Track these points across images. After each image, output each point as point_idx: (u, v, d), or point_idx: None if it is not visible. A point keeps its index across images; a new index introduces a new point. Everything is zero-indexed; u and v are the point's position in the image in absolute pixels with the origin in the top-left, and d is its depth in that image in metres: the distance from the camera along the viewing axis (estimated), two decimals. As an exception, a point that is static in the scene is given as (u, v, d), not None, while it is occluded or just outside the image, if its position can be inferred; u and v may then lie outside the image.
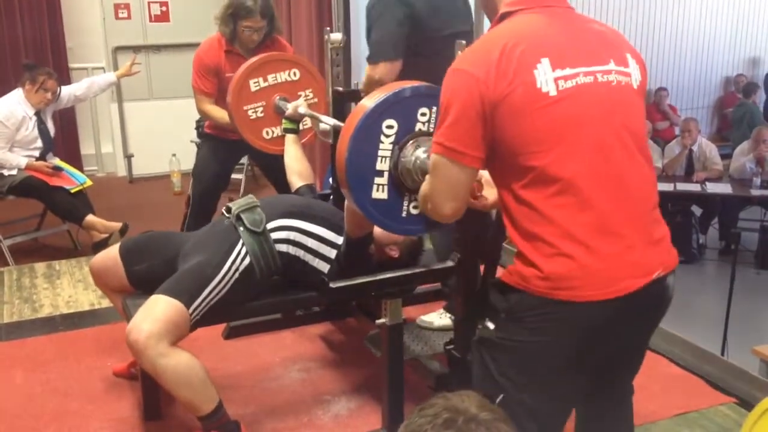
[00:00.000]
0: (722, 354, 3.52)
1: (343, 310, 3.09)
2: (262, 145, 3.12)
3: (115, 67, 5.75)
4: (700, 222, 5.97)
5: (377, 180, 1.84)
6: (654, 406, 2.53)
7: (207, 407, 2.16)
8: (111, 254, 2.48)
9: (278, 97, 3.06)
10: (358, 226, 2.21)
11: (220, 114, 3.37)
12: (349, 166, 1.80)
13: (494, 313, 1.53)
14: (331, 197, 2.89)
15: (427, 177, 1.57)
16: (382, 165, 1.83)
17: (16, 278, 3.97)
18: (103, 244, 3.90)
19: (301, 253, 2.35)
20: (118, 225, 4.19)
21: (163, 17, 6.40)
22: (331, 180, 3.09)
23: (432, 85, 1.81)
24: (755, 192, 5.84)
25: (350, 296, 2.59)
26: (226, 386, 2.60)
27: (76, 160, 5.91)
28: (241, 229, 2.30)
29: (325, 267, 2.35)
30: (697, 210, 6.03)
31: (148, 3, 6.33)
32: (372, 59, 2.73)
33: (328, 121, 2.76)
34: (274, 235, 2.32)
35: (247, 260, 2.26)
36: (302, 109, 2.90)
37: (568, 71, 1.41)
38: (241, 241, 2.28)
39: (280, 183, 3.09)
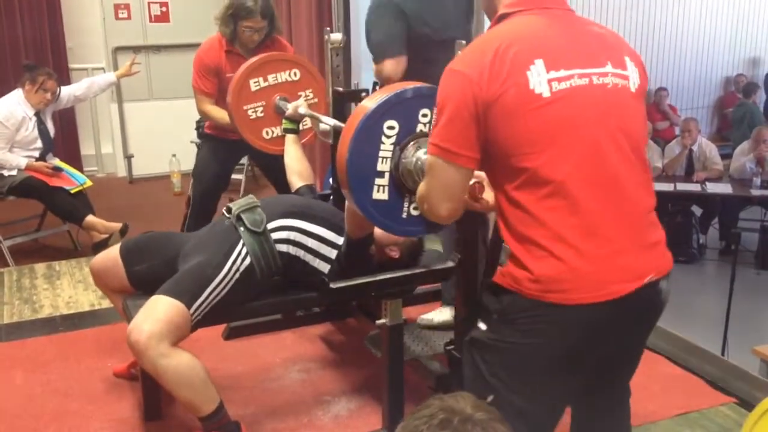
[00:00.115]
0: (722, 354, 3.53)
1: (344, 310, 3.09)
2: (262, 145, 3.11)
3: (115, 68, 5.75)
4: (700, 222, 5.97)
5: (378, 181, 1.84)
6: (654, 406, 2.53)
7: (208, 408, 2.16)
8: (111, 255, 2.48)
9: (278, 97, 3.06)
10: (359, 227, 2.21)
11: (220, 114, 3.37)
12: (350, 167, 1.80)
13: (486, 314, 1.52)
14: (332, 197, 2.90)
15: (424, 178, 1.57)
16: (383, 166, 1.83)
17: (16, 279, 3.97)
18: (103, 245, 3.89)
19: (301, 253, 2.35)
20: (118, 225, 4.19)
21: (163, 17, 6.40)
22: (331, 180, 3.09)
23: (433, 87, 1.81)
24: (755, 192, 5.85)
25: (350, 297, 2.59)
26: (226, 387, 2.60)
27: (76, 161, 5.91)
28: (242, 229, 2.30)
29: (325, 267, 2.35)
30: (697, 210, 6.04)
31: (148, 3, 6.33)
32: (376, 59, 2.75)
33: (328, 122, 2.76)
34: (275, 236, 2.32)
35: (248, 260, 2.26)
36: (302, 110, 2.90)
37: (562, 73, 1.40)
38: (241, 242, 2.28)
39: (280, 183, 3.09)
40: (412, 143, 1.82)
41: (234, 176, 4.32)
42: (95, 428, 2.49)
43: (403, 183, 1.85)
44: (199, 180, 3.61)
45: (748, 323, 4.22)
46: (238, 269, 2.24)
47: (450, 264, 2.32)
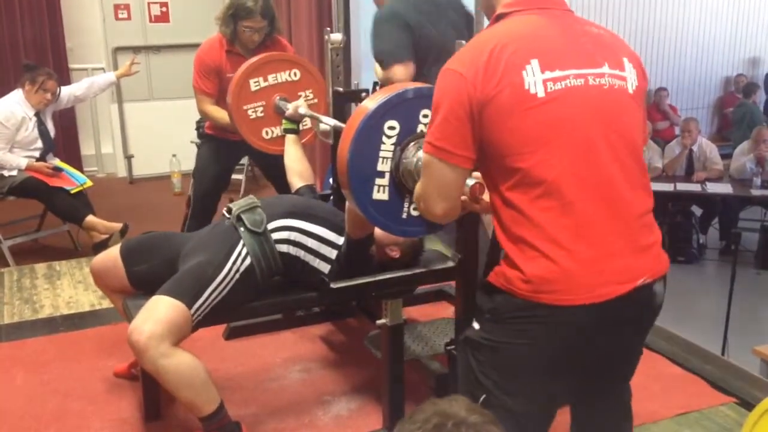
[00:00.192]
0: (723, 354, 3.53)
1: (344, 310, 3.09)
2: (262, 145, 3.12)
3: (115, 68, 5.74)
4: (700, 222, 5.98)
5: (378, 181, 1.84)
6: (654, 406, 2.53)
7: (208, 408, 2.16)
8: (111, 255, 2.48)
9: (278, 97, 3.06)
10: (359, 227, 2.21)
11: (220, 114, 3.37)
12: (351, 167, 1.80)
13: (480, 314, 1.52)
14: (332, 198, 2.90)
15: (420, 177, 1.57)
16: (384, 166, 1.83)
17: (17, 279, 3.97)
18: (103, 245, 3.90)
19: (301, 253, 2.35)
20: (118, 226, 4.20)
21: (163, 18, 6.40)
22: (331, 180, 3.10)
23: (434, 87, 1.81)
24: (755, 192, 5.85)
25: (351, 297, 2.59)
26: (226, 387, 2.61)
27: (76, 161, 5.91)
28: (242, 229, 2.30)
29: (325, 267, 2.35)
30: (697, 210, 6.04)
31: (148, 3, 6.34)
32: (384, 65, 2.78)
33: (328, 122, 2.76)
34: (275, 236, 2.32)
35: (248, 261, 2.27)
36: (302, 110, 2.90)
37: (557, 73, 1.40)
38: (241, 242, 2.28)
39: (280, 183, 3.09)
40: (412, 143, 1.82)
41: (234, 176, 4.32)
42: (96, 428, 2.49)
43: (403, 183, 1.85)
44: (200, 180, 3.60)
45: (749, 323, 4.23)
46: (238, 269, 2.24)
47: (450, 264, 2.32)
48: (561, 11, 1.50)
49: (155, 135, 6.26)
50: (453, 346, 2.20)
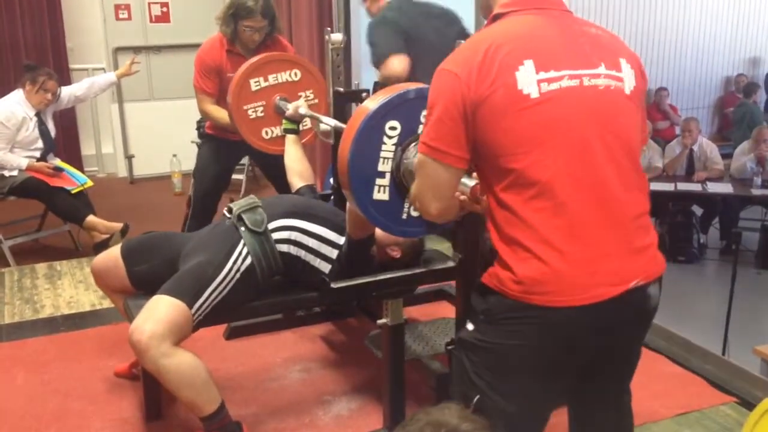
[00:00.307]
0: (723, 354, 3.52)
1: (344, 310, 3.09)
2: (261, 144, 3.12)
3: (116, 68, 5.74)
4: (700, 222, 5.97)
5: (379, 181, 1.84)
6: (655, 406, 2.53)
7: (209, 408, 2.16)
8: (112, 255, 2.48)
9: (278, 97, 3.06)
10: (360, 228, 2.21)
11: (221, 114, 3.37)
12: (352, 168, 1.80)
13: (473, 315, 1.52)
14: (332, 197, 2.90)
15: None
16: (384, 166, 1.84)
17: (17, 279, 3.97)
18: (104, 245, 3.90)
19: (302, 253, 2.35)
20: (119, 225, 4.20)
21: (164, 18, 6.40)
22: (331, 180, 3.10)
23: None
24: (756, 191, 5.85)
25: (351, 296, 2.59)
26: (227, 387, 2.61)
27: (76, 161, 5.91)
28: (243, 229, 2.30)
29: (326, 267, 2.35)
30: (697, 210, 6.04)
31: (149, 4, 6.34)
32: (382, 59, 2.82)
33: (328, 122, 2.76)
34: (276, 236, 2.33)
35: (249, 260, 2.27)
36: (303, 110, 2.90)
37: (552, 74, 1.39)
38: (242, 242, 2.28)
39: (281, 183, 3.09)
40: (413, 144, 1.82)
41: (234, 176, 4.32)
42: (96, 428, 2.49)
43: (403, 184, 1.85)
44: (200, 180, 3.61)
45: (749, 323, 4.22)
46: (239, 269, 2.24)
47: (450, 264, 2.32)
48: (559, 11, 1.50)
49: (156, 135, 6.26)
50: (454, 346, 2.20)
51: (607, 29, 1.57)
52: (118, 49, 6.24)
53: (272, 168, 3.36)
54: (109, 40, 6.26)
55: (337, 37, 2.92)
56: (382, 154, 1.82)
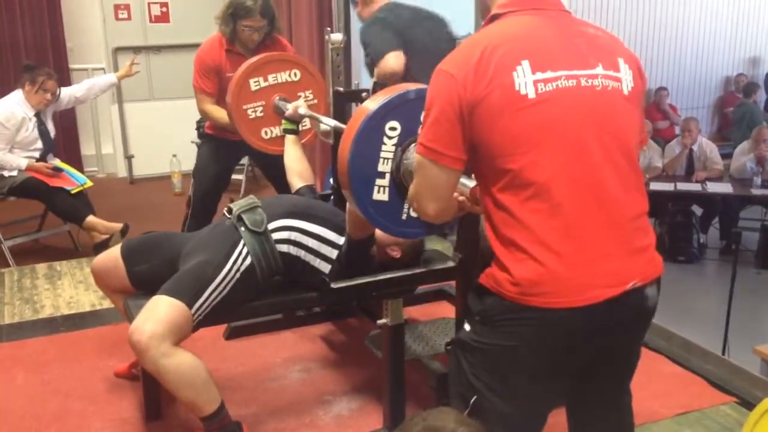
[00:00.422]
0: (723, 353, 3.52)
1: (344, 310, 3.09)
2: (261, 144, 3.12)
3: (116, 68, 5.76)
4: (700, 222, 5.97)
5: (379, 181, 1.84)
6: (655, 406, 2.53)
7: (209, 408, 2.16)
8: (112, 255, 2.48)
9: (278, 98, 3.06)
10: (360, 228, 2.21)
11: (220, 114, 3.37)
12: (352, 168, 1.80)
13: (470, 316, 1.52)
14: (332, 197, 2.90)
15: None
16: (384, 167, 1.84)
17: (17, 279, 3.97)
18: (104, 245, 3.90)
19: (302, 253, 2.35)
20: (118, 226, 4.20)
21: (163, 18, 6.40)
22: (331, 180, 3.10)
23: None
24: (756, 191, 5.85)
25: (351, 297, 2.59)
26: (227, 387, 2.61)
27: (76, 161, 5.92)
28: (242, 229, 2.30)
29: (326, 267, 2.35)
30: (697, 209, 6.04)
31: (148, 4, 6.34)
32: (377, 58, 2.82)
33: (328, 122, 2.76)
34: (275, 236, 2.32)
35: (249, 260, 2.27)
36: (302, 110, 2.90)
37: (549, 74, 1.39)
38: (242, 242, 2.28)
39: (280, 183, 3.09)
40: (413, 144, 1.82)
41: (234, 176, 4.32)
42: (96, 428, 2.49)
43: (403, 184, 1.85)
44: (200, 180, 3.61)
45: (749, 323, 4.23)
46: (238, 269, 2.24)
47: (450, 264, 2.32)
48: (556, 12, 1.49)
49: (155, 135, 6.27)
50: (451, 347, 2.20)
51: (607, 29, 1.57)
52: (118, 49, 6.24)
53: (272, 168, 3.36)
54: (109, 40, 6.27)
55: (337, 37, 2.92)
56: (382, 154, 1.82)
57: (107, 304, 3.23)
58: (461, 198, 1.64)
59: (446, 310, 3.03)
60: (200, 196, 3.58)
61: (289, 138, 2.92)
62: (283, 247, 2.33)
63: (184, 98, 5.15)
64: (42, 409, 2.60)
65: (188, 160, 4.80)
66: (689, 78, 8.29)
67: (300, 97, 3.07)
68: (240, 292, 2.25)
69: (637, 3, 7.56)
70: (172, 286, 2.18)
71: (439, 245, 3.16)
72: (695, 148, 6.17)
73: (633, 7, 7.54)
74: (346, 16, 4.86)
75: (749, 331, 4.01)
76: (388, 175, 1.85)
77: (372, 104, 1.82)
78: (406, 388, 2.38)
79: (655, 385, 2.65)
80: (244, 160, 5.30)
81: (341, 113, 2.90)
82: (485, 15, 1.54)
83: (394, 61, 2.92)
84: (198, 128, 5.19)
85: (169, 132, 6.14)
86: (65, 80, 5.61)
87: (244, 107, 3.05)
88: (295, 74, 3.10)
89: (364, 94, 2.83)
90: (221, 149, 3.54)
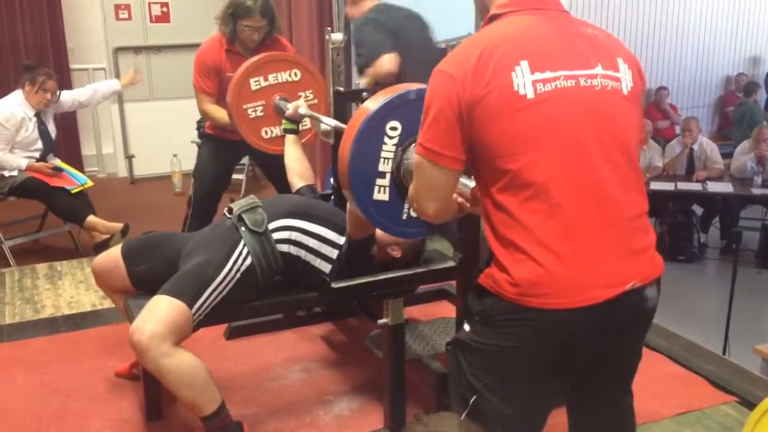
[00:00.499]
0: (724, 353, 3.53)
1: (345, 310, 3.09)
2: (261, 144, 3.12)
3: (116, 68, 5.77)
4: (701, 221, 5.97)
5: (379, 181, 1.84)
6: (655, 405, 2.53)
7: (210, 408, 2.16)
8: (113, 255, 2.48)
9: (278, 97, 3.06)
10: (360, 228, 2.21)
11: (220, 114, 3.37)
12: (352, 168, 1.80)
13: (470, 316, 1.52)
14: (332, 197, 2.90)
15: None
16: (385, 167, 1.84)
17: (18, 279, 3.97)
18: (104, 245, 3.90)
19: (302, 253, 2.35)
20: (119, 226, 4.20)
21: (164, 18, 6.40)
22: (332, 180, 3.10)
23: None
24: (756, 191, 5.85)
25: (352, 296, 2.59)
26: (227, 387, 2.61)
27: (77, 161, 5.92)
28: (243, 229, 2.30)
29: (326, 267, 2.35)
30: (698, 209, 6.04)
31: (149, 4, 6.34)
32: (372, 58, 2.82)
33: (328, 122, 2.76)
34: (276, 236, 2.33)
35: (249, 260, 2.27)
36: (303, 110, 2.90)
37: (548, 74, 1.39)
38: (242, 242, 2.28)
39: (281, 183, 3.10)
40: (413, 144, 1.82)
41: (235, 176, 4.32)
42: (97, 428, 2.49)
43: (404, 184, 1.85)
44: (200, 180, 3.61)
45: (750, 322, 4.22)
46: (239, 269, 2.24)
47: (451, 263, 2.32)
48: (556, 12, 1.49)
49: (156, 135, 6.27)
50: (450, 347, 2.20)
51: (607, 29, 1.57)
52: (119, 49, 6.24)
53: (272, 168, 3.36)
54: (110, 40, 6.26)
55: (338, 36, 2.92)
56: (383, 154, 1.82)
57: (108, 304, 3.24)
58: (460, 199, 1.63)
59: (447, 309, 3.03)
60: (200, 195, 3.59)
61: (290, 138, 2.92)
62: (284, 247, 2.33)
63: (184, 98, 5.14)
64: (42, 409, 2.60)
65: (188, 160, 4.80)
66: (689, 77, 8.29)
67: (300, 96, 3.07)
68: (240, 292, 2.25)
69: (637, 3, 7.55)
70: (172, 286, 2.18)
71: (439, 245, 3.16)
72: (696, 147, 6.17)
73: (633, 7, 7.53)
74: (347, 16, 4.86)
75: (750, 330, 4.01)
76: (388, 175, 1.85)
77: (372, 104, 1.82)
78: (406, 388, 2.38)
79: (655, 385, 2.65)
80: (245, 160, 5.30)
81: (341, 113, 2.90)
82: (483, 15, 1.54)
83: (389, 62, 2.92)
84: (198, 128, 5.19)
85: (170, 132, 6.14)
86: (65, 80, 5.62)
87: (245, 107, 3.05)
88: (296, 74, 3.10)
89: (364, 94, 2.83)
90: (221, 149, 3.54)
